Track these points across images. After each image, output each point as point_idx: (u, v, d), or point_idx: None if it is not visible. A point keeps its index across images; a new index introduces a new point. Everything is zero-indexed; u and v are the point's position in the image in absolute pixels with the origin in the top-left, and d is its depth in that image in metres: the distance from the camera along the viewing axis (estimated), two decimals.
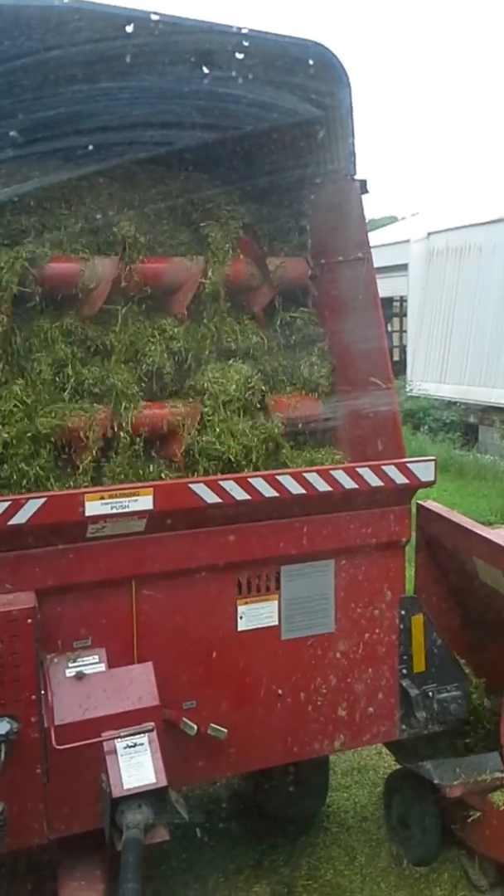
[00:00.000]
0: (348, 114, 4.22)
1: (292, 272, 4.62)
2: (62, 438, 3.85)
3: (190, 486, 3.54)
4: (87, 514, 3.33)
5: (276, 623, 3.88)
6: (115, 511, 3.37)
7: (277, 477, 3.70)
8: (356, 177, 4.28)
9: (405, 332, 23.13)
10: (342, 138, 4.28)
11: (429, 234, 20.83)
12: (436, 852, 4.52)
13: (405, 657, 4.17)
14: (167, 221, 4.56)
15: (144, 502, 3.41)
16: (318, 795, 4.87)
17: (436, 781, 4.24)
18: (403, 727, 4.19)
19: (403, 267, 21.01)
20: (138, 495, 3.41)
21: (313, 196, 4.60)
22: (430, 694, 4.20)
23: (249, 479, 3.64)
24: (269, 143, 4.63)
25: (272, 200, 4.79)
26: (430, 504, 5.14)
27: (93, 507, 3.33)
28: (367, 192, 4.24)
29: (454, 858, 4.50)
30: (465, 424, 18.14)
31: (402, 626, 4.14)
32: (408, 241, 21.13)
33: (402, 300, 23.26)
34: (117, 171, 4.46)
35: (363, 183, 4.27)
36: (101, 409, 3.98)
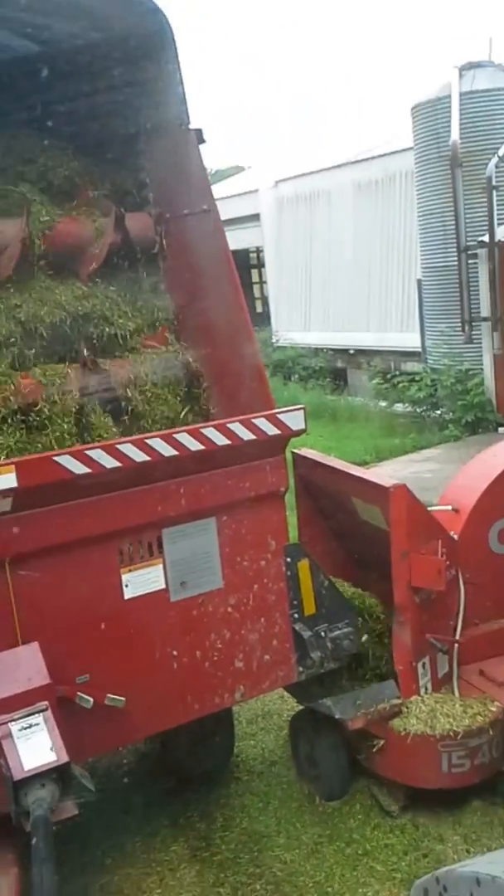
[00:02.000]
0: (174, 58, 4.12)
1: (136, 228, 4.54)
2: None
3: (55, 458, 3.44)
4: None
5: (164, 586, 3.86)
6: None
7: (147, 441, 3.65)
8: (191, 126, 4.22)
9: (265, 283, 23.19)
10: (171, 85, 4.18)
11: (276, 182, 20.89)
12: (345, 785, 4.66)
13: (295, 602, 4.24)
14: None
15: (7, 480, 3.29)
16: (225, 747, 4.94)
17: (337, 716, 4.36)
18: (300, 669, 4.28)
19: (255, 217, 21.03)
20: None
21: (148, 147, 4.50)
22: (323, 634, 4.30)
23: (118, 446, 3.57)
24: (97, 93, 4.47)
25: (108, 155, 4.66)
26: (305, 451, 5.22)
27: None
28: (203, 141, 4.18)
29: (364, 788, 4.65)
30: (334, 370, 18.52)
31: (289, 573, 4.21)
32: (256, 190, 21.13)
33: (259, 251, 23.28)
34: None
35: (199, 132, 4.20)
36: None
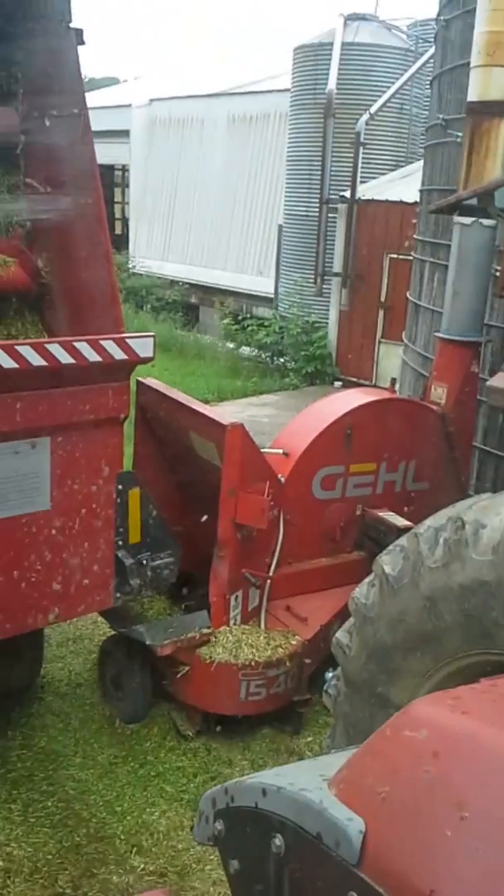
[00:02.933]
0: None
1: None
2: None
3: None
4: None
5: None
6: None
7: None
8: (72, 24, 3.97)
9: (128, 203, 22.44)
10: None
11: (151, 100, 20.16)
12: (145, 709, 4.78)
13: (121, 529, 4.23)
14: None
15: None
16: (32, 667, 4.90)
17: (147, 642, 4.44)
18: (118, 595, 4.30)
19: (125, 133, 20.24)
20: None
21: (24, 40, 4.20)
22: (145, 562, 4.34)
23: None
24: None
25: None
26: (150, 381, 5.19)
27: None
28: (83, 42, 3.95)
29: (164, 713, 4.79)
30: (187, 305, 18.33)
31: (118, 501, 4.18)
32: (129, 105, 20.32)
33: (125, 169, 22.44)
34: None
35: (79, 32, 3.96)
36: None
